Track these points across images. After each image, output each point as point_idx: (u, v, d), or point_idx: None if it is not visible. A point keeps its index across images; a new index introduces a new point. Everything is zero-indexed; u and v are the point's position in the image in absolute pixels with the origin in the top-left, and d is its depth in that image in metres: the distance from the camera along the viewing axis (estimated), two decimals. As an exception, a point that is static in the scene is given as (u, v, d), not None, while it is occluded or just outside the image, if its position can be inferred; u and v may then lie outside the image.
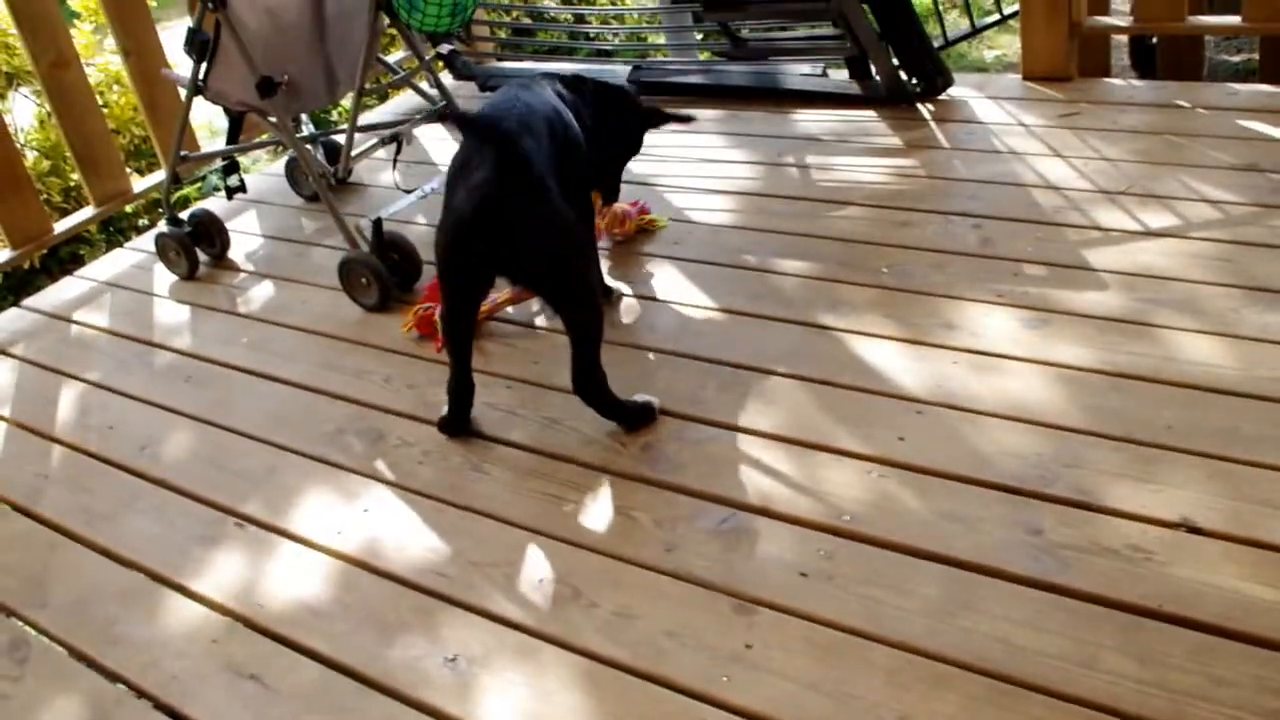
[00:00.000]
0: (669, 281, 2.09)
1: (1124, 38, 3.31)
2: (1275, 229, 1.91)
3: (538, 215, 1.49)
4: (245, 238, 2.63)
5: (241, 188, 2.52)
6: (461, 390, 1.68)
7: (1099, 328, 1.72)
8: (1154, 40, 3.18)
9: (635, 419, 1.64)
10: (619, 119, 1.88)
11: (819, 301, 1.93)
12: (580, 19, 4.03)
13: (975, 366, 1.68)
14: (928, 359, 1.71)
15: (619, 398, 1.63)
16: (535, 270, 1.53)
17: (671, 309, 1.99)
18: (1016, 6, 2.79)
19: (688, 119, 1.97)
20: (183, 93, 2.28)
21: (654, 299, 2.03)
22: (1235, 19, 2.51)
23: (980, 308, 1.83)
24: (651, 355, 1.85)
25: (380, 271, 2.11)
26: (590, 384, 1.59)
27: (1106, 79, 2.80)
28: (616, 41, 3.73)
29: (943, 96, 2.77)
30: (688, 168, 2.64)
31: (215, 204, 2.80)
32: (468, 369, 1.67)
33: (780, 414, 1.65)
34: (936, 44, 2.91)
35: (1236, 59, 3.54)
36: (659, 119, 1.96)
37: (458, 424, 1.70)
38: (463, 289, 1.59)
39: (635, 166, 2.62)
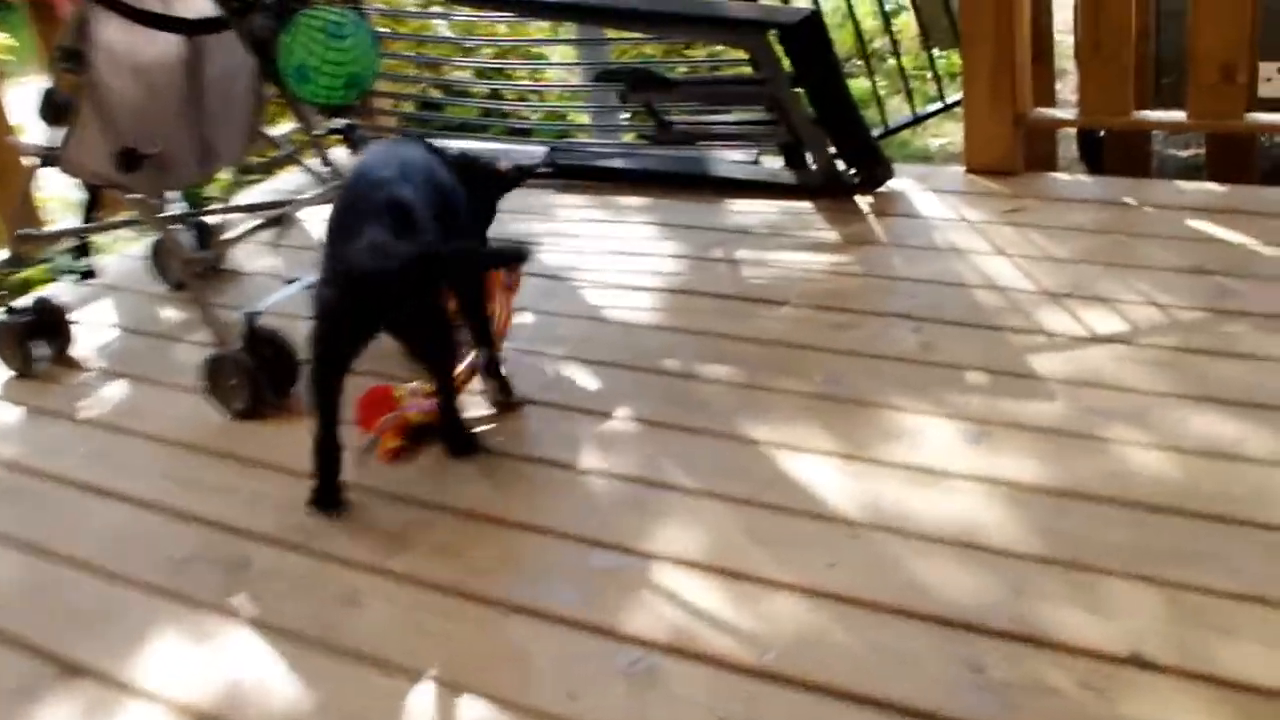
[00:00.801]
0: (575, 386, 2.14)
1: (1073, 130, 3.59)
2: (1223, 335, 2.07)
3: (431, 274, 1.72)
4: (97, 330, 2.61)
5: (90, 273, 2.52)
6: (330, 449, 1.77)
7: (1044, 439, 1.83)
8: (1101, 133, 3.47)
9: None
10: (474, 184, 2.01)
11: (745, 410, 1.99)
12: (496, 94, 4.19)
13: (913, 483, 1.76)
14: (862, 475, 1.79)
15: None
16: (424, 329, 1.77)
17: (577, 417, 2.03)
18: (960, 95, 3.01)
19: (547, 168, 2.14)
20: (27, 161, 2.29)
21: (557, 405, 2.06)
22: (1180, 115, 2.76)
23: (919, 418, 1.92)
24: (555, 470, 1.88)
25: (252, 372, 2.11)
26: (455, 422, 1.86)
27: (1052, 174, 3.02)
28: (535, 119, 3.88)
29: (882, 189, 2.94)
30: (605, 260, 2.74)
31: (63, 289, 2.78)
32: (336, 429, 1.77)
33: (699, 538, 1.69)
34: (877, 132, 3.12)
35: (1185, 154, 3.86)
36: (516, 176, 2.08)
37: (330, 495, 1.78)
38: (346, 350, 1.74)
39: (546, 258, 2.72)
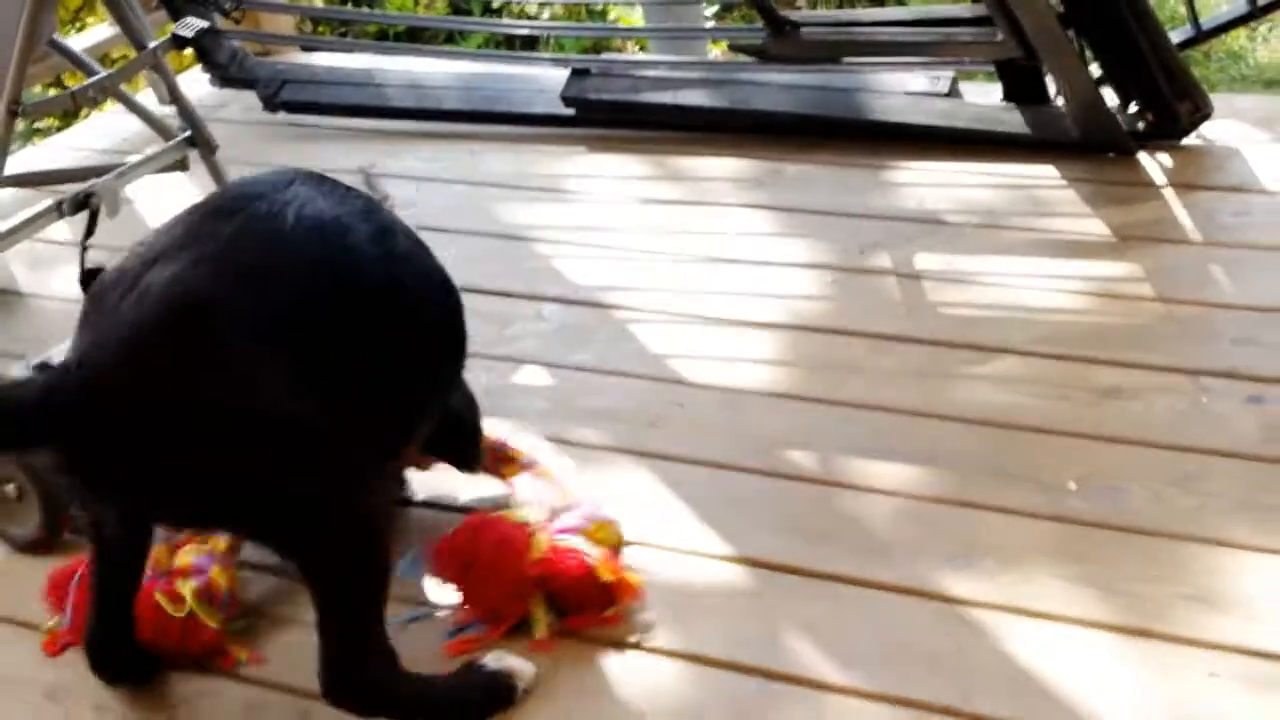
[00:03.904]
0: (639, 502, 2.18)
1: None
2: None
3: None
4: None
5: None
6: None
7: None
8: None
9: (473, 710, 1.81)
10: None
11: (940, 547, 2.02)
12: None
13: (1252, 682, 1.77)
14: (1157, 667, 1.80)
15: (428, 681, 1.82)
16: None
17: (644, 558, 2.07)
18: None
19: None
20: None
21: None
22: None
23: (1264, 563, 1.94)
24: (607, 654, 1.92)
25: (43, 474, 2.18)
26: (360, 677, 1.77)
27: None
28: (547, 18, 3.99)
29: (1191, 139, 2.97)
30: (677, 274, 2.80)
31: None
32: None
33: (858, 777, 1.72)
34: (1179, 37, 3.13)
35: None
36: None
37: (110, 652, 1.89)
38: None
39: (570, 269, 2.79)
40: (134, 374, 1.66)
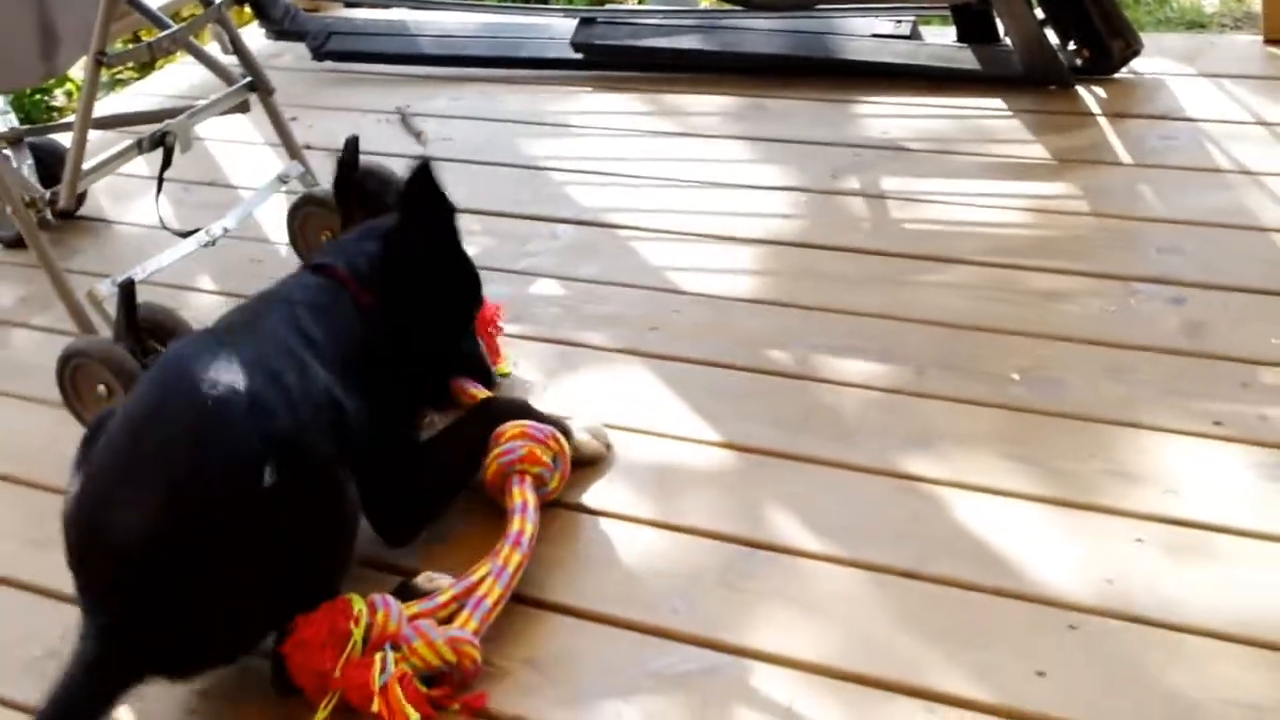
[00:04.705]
0: (640, 396, 2.18)
1: None
2: None
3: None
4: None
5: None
6: None
7: (1388, 480, 1.82)
8: None
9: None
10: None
11: (900, 431, 2.02)
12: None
13: (1174, 547, 1.76)
14: (1090, 535, 1.80)
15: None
16: None
17: (644, 443, 2.08)
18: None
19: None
20: None
21: (613, 425, 2.10)
22: None
23: (1184, 444, 1.93)
24: (606, 524, 1.93)
25: (131, 373, 2.17)
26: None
27: None
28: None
29: (1123, 73, 2.94)
30: (672, 198, 2.78)
31: None
32: None
33: (829, 630, 1.72)
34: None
35: None
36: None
37: None
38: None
39: (579, 195, 2.77)
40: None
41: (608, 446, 2.05)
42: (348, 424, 1.82)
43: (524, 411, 1.99)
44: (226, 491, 1.63)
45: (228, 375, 1.71)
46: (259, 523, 1.63)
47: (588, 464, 2.00)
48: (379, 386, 1.91)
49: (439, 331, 2.08)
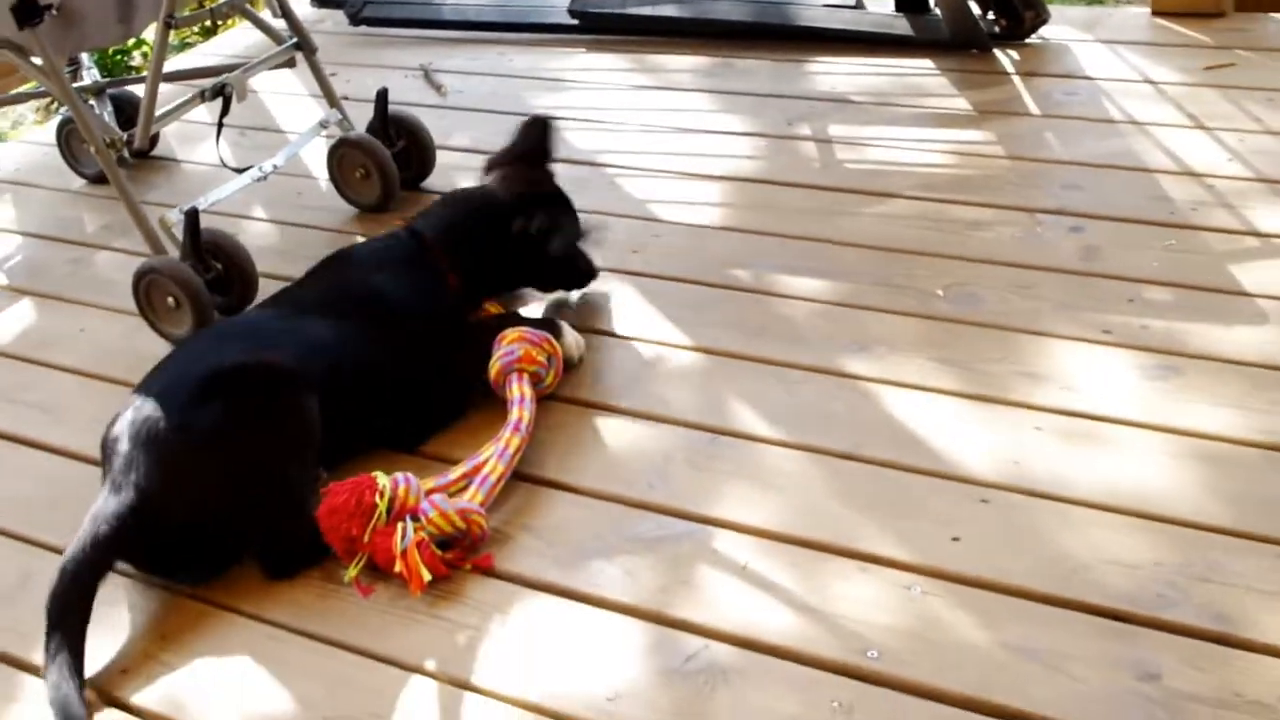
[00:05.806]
0: (623, 308, 2.16)
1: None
2: None
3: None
4: (-6, 236, 2.68)
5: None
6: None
7: (1250, 380, 1.80)
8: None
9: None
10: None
11: (842, 338, 2.00)
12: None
13: (1069, 435, 1.75)
14: (999, 424, 1.79)
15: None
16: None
17: (626, 348, 2.06)
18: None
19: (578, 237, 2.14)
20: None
21: (601, 331, 2.09)
22: None
23: (1079, 349, 1.91)
24: (593, 414, 1.91)
25: (195, 287, 2.16)
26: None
27: (1276, 13, 2.92)
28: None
29: (1033, 39, 2.89)
30: (652, 141, 2.73)
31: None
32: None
33: (779, 502, 1.70)
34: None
35: None
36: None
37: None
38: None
39: (575, 139, 2.72)
40: None
41: (580, 359, 2.00)
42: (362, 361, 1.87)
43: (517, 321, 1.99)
44: (185, 401, 1.71)
45: (241, 322, 1.91)
46: (209, 426, 1.69)
47: (566, 366, 1.98)
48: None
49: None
